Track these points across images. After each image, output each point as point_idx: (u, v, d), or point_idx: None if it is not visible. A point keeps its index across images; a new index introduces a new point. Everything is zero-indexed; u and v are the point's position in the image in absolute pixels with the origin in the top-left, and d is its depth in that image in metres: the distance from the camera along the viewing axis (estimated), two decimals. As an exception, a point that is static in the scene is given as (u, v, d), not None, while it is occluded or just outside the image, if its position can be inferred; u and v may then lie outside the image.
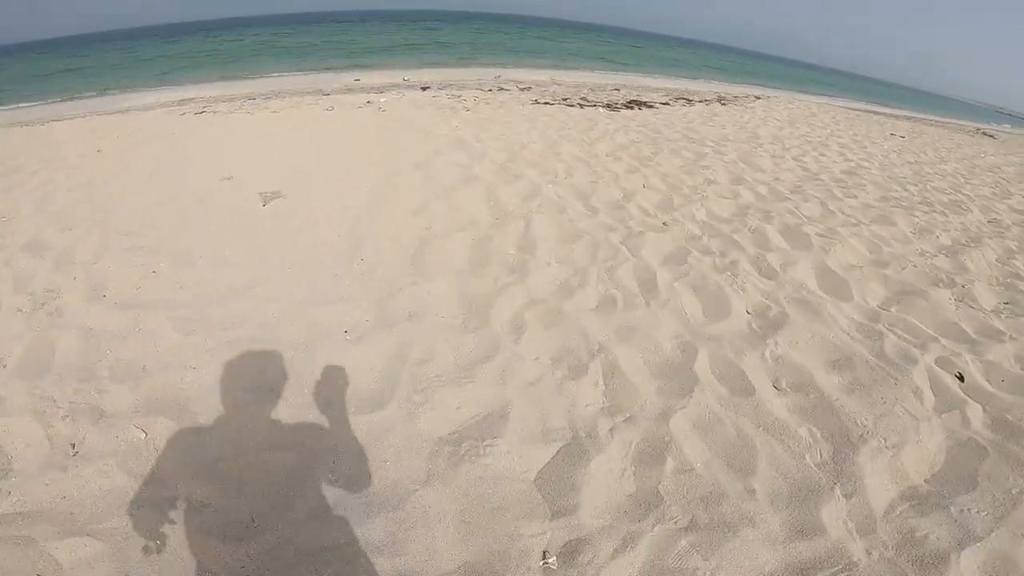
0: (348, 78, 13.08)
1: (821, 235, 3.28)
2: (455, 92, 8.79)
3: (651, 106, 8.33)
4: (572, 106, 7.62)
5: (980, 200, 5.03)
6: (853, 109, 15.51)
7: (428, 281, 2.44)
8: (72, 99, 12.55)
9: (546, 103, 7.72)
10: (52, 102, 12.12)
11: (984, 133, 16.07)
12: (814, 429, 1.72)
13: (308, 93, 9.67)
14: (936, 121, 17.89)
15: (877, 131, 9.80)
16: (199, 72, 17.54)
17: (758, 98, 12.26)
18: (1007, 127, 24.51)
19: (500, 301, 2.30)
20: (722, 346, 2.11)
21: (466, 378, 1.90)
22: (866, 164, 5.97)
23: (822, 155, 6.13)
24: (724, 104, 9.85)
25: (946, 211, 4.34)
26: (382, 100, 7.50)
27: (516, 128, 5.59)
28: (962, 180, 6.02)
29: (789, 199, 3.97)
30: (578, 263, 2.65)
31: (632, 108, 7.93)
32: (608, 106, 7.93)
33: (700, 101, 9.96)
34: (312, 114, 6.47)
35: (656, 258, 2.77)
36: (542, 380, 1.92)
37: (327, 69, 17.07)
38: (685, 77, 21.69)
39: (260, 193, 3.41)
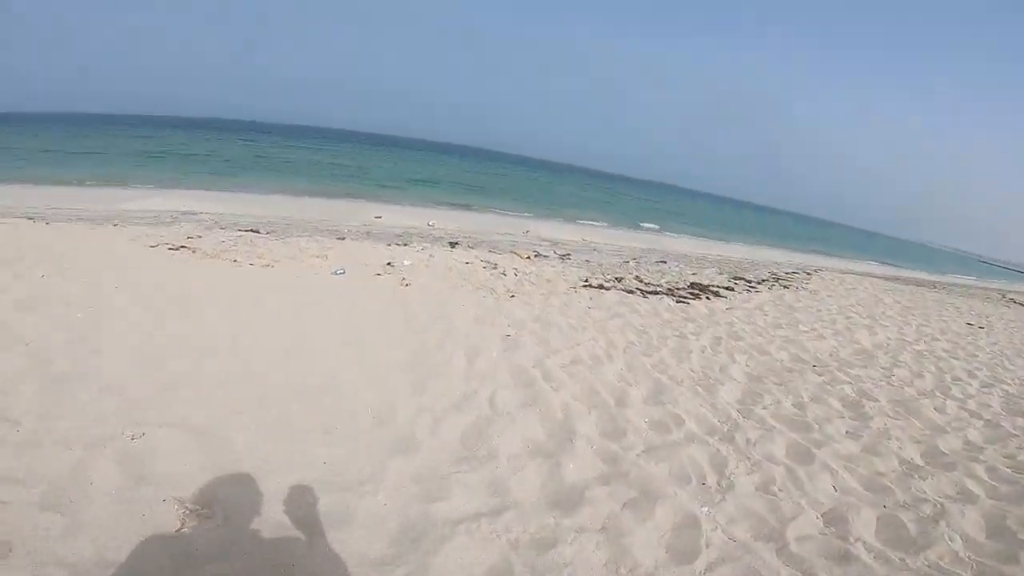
0: (368, 212, 12.39)
1: None
2: (488, 255, 7.66)
3: (718, 294, 7.12)
4: (632, 292, 6.34)
5: None
6: (883, 278, 14.71)
7: None
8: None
9: (600, 286, 6.47)
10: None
11: (1011, 299, 15.14)
12: None
13: (321, 231, 8.59)
14: (958, 286, 16.92)
15: (949, 318, 8.62)
16: (200, 178, 17.16)
17: (809, 275, 11.42)
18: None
19: None
20: None
21: None
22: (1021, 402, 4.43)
23: (967, 386, 4.59)
24: (785, 287, 8.79)
25: None
26: (406, 263, 6.24)
27: (588, 345, 4.09)
28: None
29: None
30: None
31: (699, 297, 6.68)
32: (670, 292, 6.69)
33: (757, 282, 8.92)
34: (314, 280, 5.07)
35: None
36: None
37: (347, 195, 16.74)
38: (702, 237, 21.72)
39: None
